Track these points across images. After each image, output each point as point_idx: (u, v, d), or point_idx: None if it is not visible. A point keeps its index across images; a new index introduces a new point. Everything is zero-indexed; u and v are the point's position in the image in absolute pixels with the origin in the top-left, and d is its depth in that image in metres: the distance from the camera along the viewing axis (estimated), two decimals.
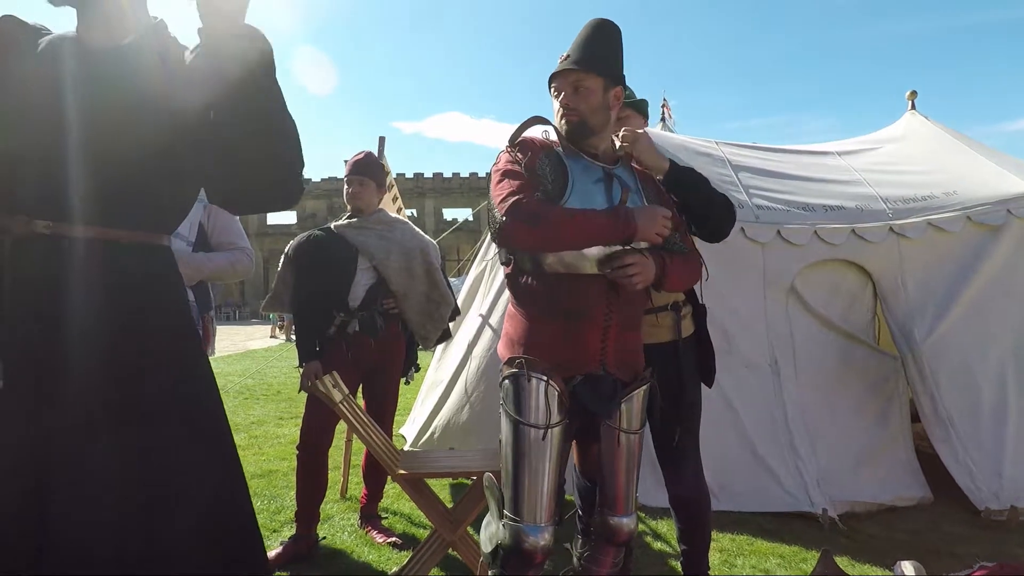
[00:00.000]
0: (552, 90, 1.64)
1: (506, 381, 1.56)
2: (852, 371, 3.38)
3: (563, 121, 1.61)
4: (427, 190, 40.26)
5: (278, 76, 1.06)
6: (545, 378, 1.51)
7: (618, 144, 1.73)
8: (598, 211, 1.50)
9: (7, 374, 1.02)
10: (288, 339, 17.07)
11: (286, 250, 2.75)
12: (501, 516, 1.55)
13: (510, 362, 1.57)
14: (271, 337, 18.45)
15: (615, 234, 1.48)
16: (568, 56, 1.61)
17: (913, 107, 4.65)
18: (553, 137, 1.65)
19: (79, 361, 1.01)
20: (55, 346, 1.02)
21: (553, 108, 1.66)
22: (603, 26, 1.63)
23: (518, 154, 1.59)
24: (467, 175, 40.80)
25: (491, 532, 1.61)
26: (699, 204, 1.81)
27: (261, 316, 15.08)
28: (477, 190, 37.89)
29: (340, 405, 2.34)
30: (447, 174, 40.93)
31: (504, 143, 1.66)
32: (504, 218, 1.45)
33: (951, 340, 3.30)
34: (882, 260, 3.43)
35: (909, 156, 4.18)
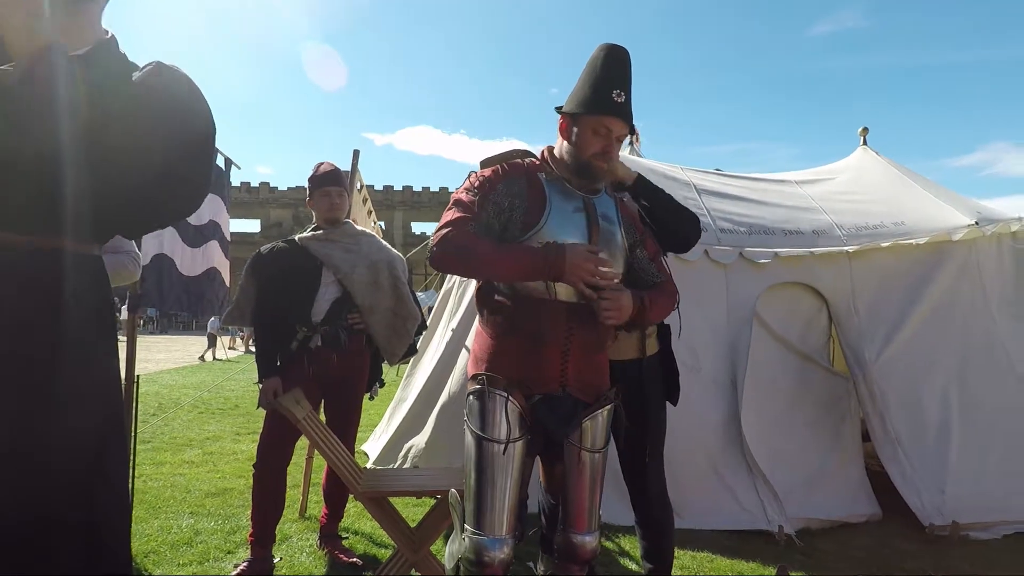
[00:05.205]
0: (591, 119, 1.57)
1: (471, 397, 1.59)
2: (808, 391, 3.50)
3: (594, 163, 1.60)
4: (396, 203, 40.02)
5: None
6: (506, 395, 1.54)
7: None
8: (526, 250, 1.51)
9: None
10: (248, 351, 16.56)
11: (248, 262, 2.69)
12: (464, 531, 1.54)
13: (474, 378, 1.60)
14: (229, 349, 17.85)
15: (541, 274, 1.50)
16: (624, 98, 1.56)
17: (865, 142, 4.92)
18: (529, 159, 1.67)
19: None
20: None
21: (571, 133, 1.61)
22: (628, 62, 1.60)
23: (480, 179, 1.61)
24: (437, 189, 40.77)
25: (454, 549, 1.60)
26: (663, 209, 1.94)
27: (220, 328, 14.60)
28: (446, 205, 37.60)
29: (303, 421, 2.29)
30: (417, 188, 40.85)
31: (477, 161, 1.69)
32: (435, 248, 1.53)
33: (899, 362, 3.46)
34: (836, 284, 3.59)
35: (861, 187, 4.41)
